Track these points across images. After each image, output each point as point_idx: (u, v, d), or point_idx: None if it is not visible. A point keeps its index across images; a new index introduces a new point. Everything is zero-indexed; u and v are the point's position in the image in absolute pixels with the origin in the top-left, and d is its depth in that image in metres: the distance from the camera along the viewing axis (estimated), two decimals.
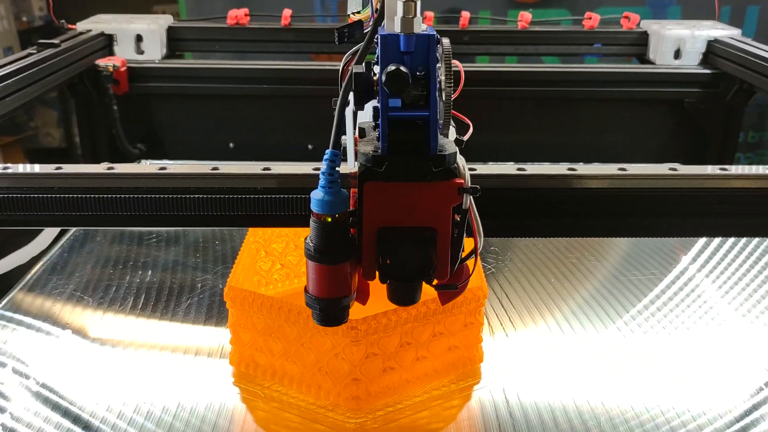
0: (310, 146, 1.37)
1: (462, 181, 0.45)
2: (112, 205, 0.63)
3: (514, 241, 1.01)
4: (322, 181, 0.46)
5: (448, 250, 0.47)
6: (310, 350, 0.64)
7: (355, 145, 0.49)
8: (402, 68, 0.43)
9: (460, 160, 0.46)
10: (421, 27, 0.45)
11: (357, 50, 0.49)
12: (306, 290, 0.49)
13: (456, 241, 0.47)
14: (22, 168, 0.65)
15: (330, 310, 0.48)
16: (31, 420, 0.64)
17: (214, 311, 0.81)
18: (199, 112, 1.37)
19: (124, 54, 1.32)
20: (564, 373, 0.72)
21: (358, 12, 0.54)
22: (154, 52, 1.34)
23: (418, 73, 0.44)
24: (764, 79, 1.14)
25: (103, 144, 1.35)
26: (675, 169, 0.65)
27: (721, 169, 0.66)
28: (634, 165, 0.66)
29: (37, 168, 0.65)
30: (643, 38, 1.42)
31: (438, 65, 0.45)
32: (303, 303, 0.63)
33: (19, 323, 0.80)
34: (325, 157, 0.46)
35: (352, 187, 0.47)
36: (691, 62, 1.35)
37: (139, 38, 1.33)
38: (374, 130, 0.48)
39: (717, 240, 1.01)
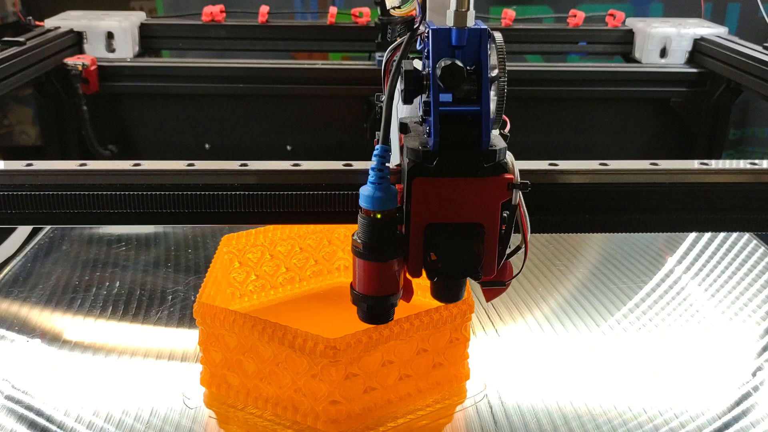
0: (288, 147, 1.33)
1: (512, 176, 0.45)
2: (85, 203, 0.61)
3: None
4: (372, 177, 0.45)
5: (495, 246, 0.46)
6: (286, 371, 0.60)
7: (400, 141, 0.48)
8: (457, 62, 0.42)
9: (509, 155, 0.45)
10: (473, 21, 0.44)
11: (399, 44, 0.49)
12: (352, 287, 0.48)
13: (504, 238, 0.46)
14: None
15: (377, 308, 0.48)
16: None
17: (185, 326, 0.77)
18: (174, 112, 1.33)
19: (94, 52, 1.29)
20: (549, 376, 0.70)
21: (398, 7, 0.52)
22: (125, 50, 1.30)
23: (468, 68, 0.43)
24: (752, 78, 1.13)
25: (73, 146, 1.31)
26: (656, 164, 0.65)
27: (701, 163, 0.67)
28: (615, 160, 0.66)
29: (7, 165, 0.63)
30: (628, 36, 1.40)
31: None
32: (279, 319, 0.61)
33: None
34: (375, 152, 0.46)
35: (396, 183, 0.46)
36: (677, 61, 1.34)
37: (110, 36, 1.29)
38: (420, 125, 0.48)
39: (703, 241, 1.00)
